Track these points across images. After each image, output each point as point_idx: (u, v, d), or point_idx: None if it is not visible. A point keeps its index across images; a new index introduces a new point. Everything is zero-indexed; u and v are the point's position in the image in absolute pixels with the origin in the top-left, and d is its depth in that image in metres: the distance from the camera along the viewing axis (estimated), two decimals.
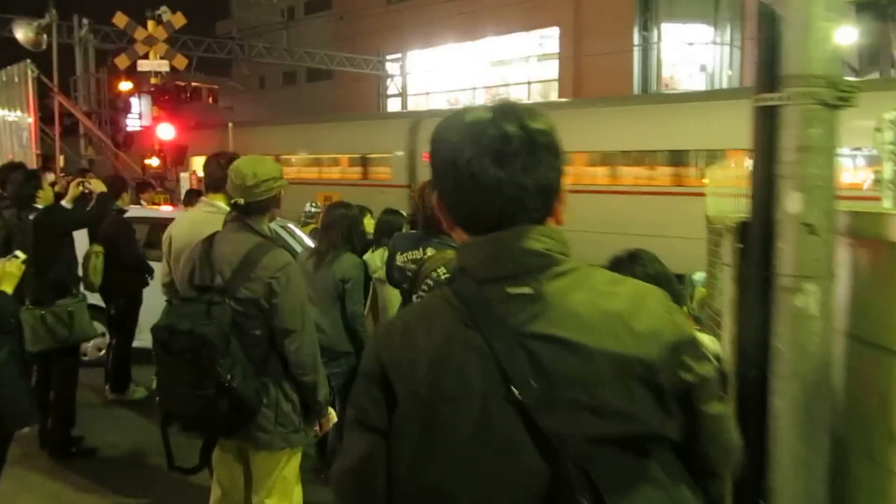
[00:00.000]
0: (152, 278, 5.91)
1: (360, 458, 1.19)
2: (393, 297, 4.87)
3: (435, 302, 1.22)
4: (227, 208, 3.27)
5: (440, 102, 24.55)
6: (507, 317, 1.12)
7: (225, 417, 2.60)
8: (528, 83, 23.42)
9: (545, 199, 1.16)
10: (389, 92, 27.18)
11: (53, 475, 4.66)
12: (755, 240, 1.88)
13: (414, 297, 3.35)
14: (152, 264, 5.83)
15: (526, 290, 1.12)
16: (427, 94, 25.89)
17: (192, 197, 7.51)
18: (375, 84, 26.80)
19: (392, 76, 26.71)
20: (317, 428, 2.98)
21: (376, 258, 5.03)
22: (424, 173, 11.12)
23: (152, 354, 2.72)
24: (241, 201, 2.77)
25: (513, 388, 1.08)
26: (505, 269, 1.14)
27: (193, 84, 25.05)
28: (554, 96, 21.78)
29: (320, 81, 28.59)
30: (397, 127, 14.86)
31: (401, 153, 14.41)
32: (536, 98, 22.41)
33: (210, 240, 2.84)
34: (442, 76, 25.43)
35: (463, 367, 1.12)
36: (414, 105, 25.59)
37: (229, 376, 2.54)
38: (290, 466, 2.92)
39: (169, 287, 3.71)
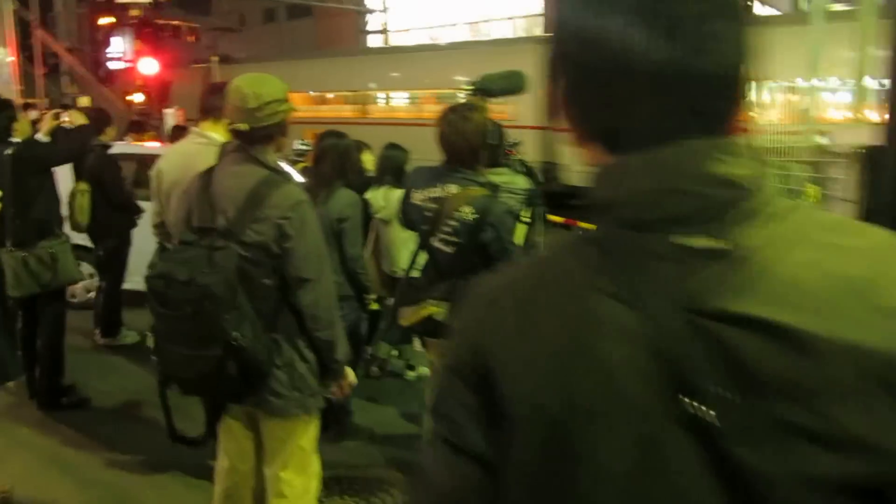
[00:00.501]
0: (141, 218, 5.58)
1: (447, 494, 0.82)
2: (400, 239, 4.56)
3: (560, 258, 0.80)
4: (221, 139, 2.88)
5: (422, 39, 24.01)
6: (680, 284, 0.70)
7: (233, 381, 2.25)
8: (512, 18, 22.98)
9: (730, 96, 0.73)
10: (369, 28, 26.81)
11: (44, 428, 4.39)
12: (889, 168, 1.54)
13: (433, 240, 3.03)
14: (141, 203, 5.50)
15: (712, 242, 0.70)
16: (408, 30, 25.44)
17: (179, 132, 7.13)
18: (356, 20, 26.32)
19: (372, 11, 26.38)
20: (334, 390, 2.63)
21: (379, 197, 4.70)
22: None
23: (147, 305, 2.37)
24: (244, 127, 2.35)
25: (691, 400, 0.68)
26: (676, 207, 0.71)
27: (174, 22, 24.43)
28: (539, 31, 21.19)
29: (300, 19, 27.88)
30: None
31: None
32: (520, 34, 21.81)
33: (208, 174, 2.43)
34: (423, 11, 24.96)
35: (609, 364, 0.72)
36: (395, 42, 25.07)
37: (237, 333, 2.19)
38: (307, 435, 2.59)
39: (160, 228, 3.36)
